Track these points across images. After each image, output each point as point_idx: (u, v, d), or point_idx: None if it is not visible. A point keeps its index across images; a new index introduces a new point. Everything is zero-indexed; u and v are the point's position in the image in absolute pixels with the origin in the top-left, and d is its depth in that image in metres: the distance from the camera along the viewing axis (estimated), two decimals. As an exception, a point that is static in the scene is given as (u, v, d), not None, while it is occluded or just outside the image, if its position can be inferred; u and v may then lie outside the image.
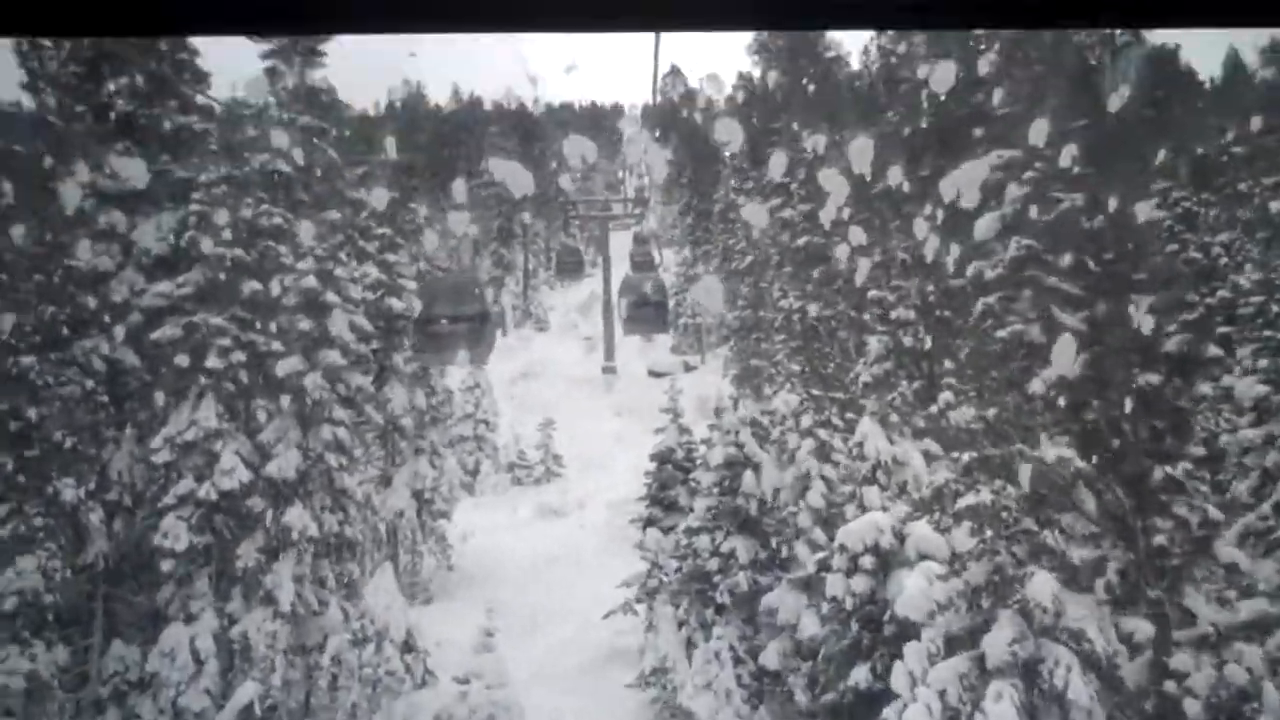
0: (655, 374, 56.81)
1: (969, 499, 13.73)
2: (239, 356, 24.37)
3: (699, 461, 36.86)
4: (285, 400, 24.97)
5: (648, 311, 38.74)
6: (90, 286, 23.61)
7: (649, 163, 56.22)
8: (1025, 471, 13.09)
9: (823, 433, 26.03)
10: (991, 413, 14.71)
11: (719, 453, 27.27)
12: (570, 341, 64.72)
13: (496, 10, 1.60)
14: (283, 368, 24.82)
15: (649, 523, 36.77)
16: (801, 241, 48.09)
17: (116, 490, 23.99)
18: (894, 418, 22.64)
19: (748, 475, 26.72)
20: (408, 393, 35.12)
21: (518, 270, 78.39)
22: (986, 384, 16.15)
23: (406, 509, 33.93)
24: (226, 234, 24.36)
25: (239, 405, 24.86)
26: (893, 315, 27.73)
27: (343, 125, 38.65)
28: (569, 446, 48.06)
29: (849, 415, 26.99)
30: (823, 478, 25.46)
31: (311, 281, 25.49)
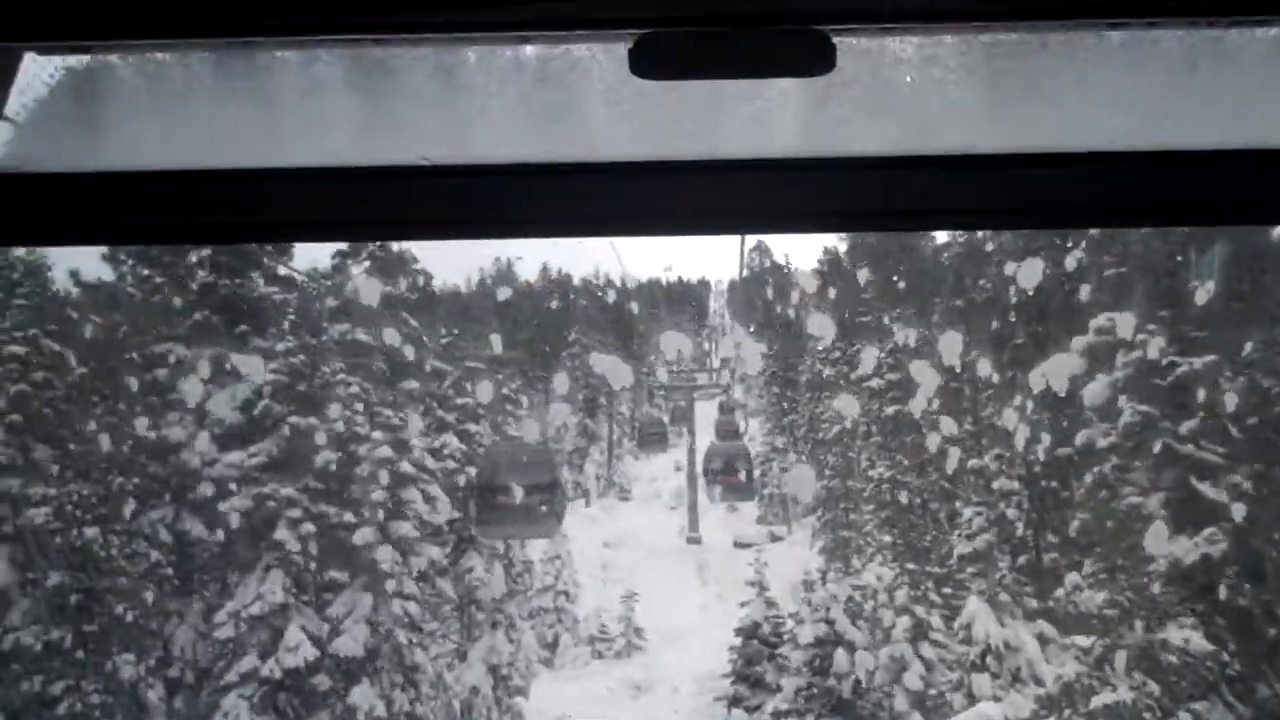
0: (741, 545, 54.93)
1: (1106, 696, 12.02)
2: (309, 528, 23.47)
3: (787, 637, 35.09)
4: (356, 574, 23.94)
5: (734, 480, 38.35)
6: (160, 457, 23.05)
7: (740, 353, 55.05)
8: (1167, 664, 11.46)
9: (919, 609, 24.24)
10: (1126, 596, 13.09)
11: (809, 630, 25.54)
12: (654, 512, 63.16)
13: (579, 218, 1.70)
14: (355, 539, 23.85)
15: (734, 702, 34.72)
16: (891, 410, 46.68)
17: (178, 666, 22.94)
18: (1003, 596, 20.85)
19: (839, 654, 24.89)
20: (486, 565, 33.90)
21: (601, 440, 77.50)
22: (1119, 563, 14.55)
23: (482, 685, 32.31)
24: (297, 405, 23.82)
25: (307, 579, 23.86)
26: (994, 485, 26.05)
27: (434, 306, 38.34)
28: (652, 619, 46.09)
29: (945, 590, 25.20)
30: (920, 658, 23.59)
31: (387, 451, 24.68)
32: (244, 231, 2.43)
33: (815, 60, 1.49)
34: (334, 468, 23.98)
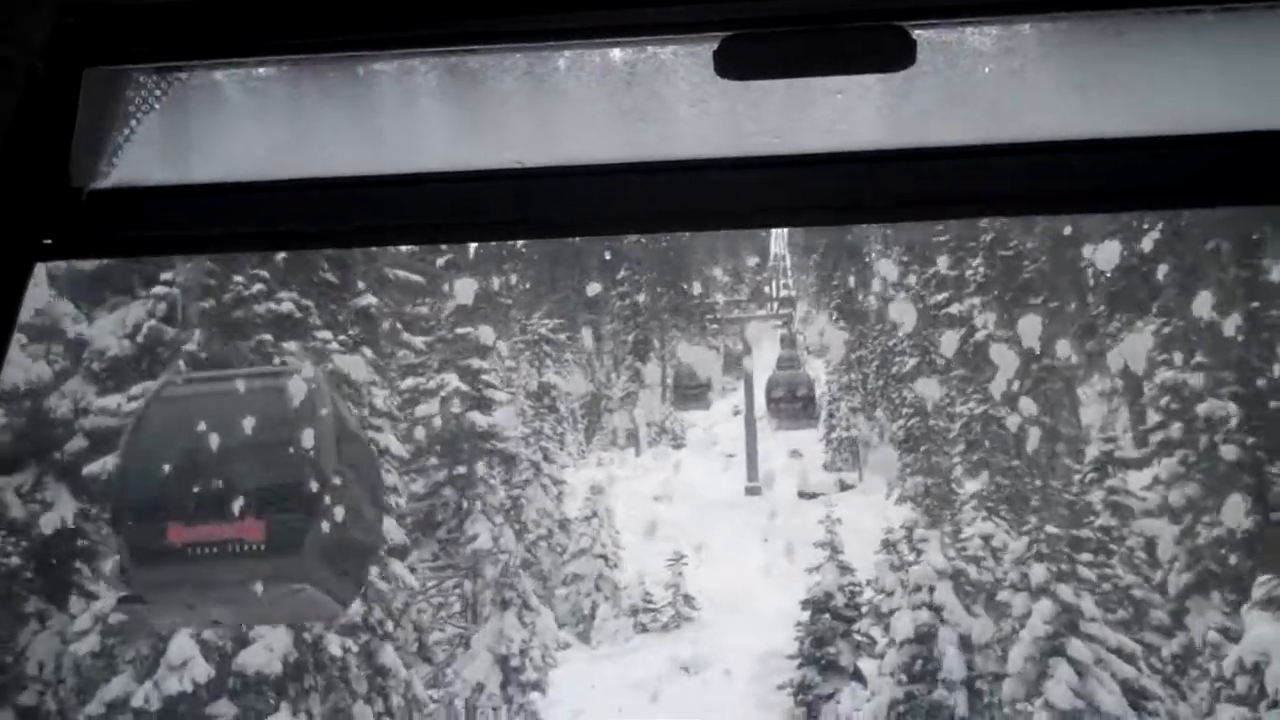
0: (806, 495, 47.36)
1: None
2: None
3: (865, 609, 27.76)
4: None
5: (796, 406, 40.74)
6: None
7: (824, 339, 47.95)
8: None
9: (1066, 590, 16.61)
10: None
11: (906, 620, 17.98)
12: (710, 459, 55.60)
13: (667, 215, 1.77)
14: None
15: (801, 689, 27.56)
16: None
17: (35, 691, 16.07)
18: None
19: (951, 654, 17.30)
20: (494, 530, 26.81)
21: (654, 385, 70.27)
22: None
23: (488, 680, 25.32)
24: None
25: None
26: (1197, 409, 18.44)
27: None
28: (704, 585, 38.85)
29: (1100, 558, 17.52)
30: (1070, 660, 16.04)
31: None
32: (347, 237, 2.28)
33: (895, 55, 1.52)
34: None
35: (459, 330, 27.54)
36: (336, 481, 8.60)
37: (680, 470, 53.55)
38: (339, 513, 8.44)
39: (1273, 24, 1.58)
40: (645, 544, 42.20)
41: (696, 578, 38.70)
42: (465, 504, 26.74)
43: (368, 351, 20.69)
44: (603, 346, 69.18)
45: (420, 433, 26.28)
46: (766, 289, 62.33)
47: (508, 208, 1.71)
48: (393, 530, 20.14)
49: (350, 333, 20.37)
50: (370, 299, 21.82)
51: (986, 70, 1.66)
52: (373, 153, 1.75)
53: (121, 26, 1.51)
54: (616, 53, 1.68)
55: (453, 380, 26.47)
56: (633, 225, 1.85)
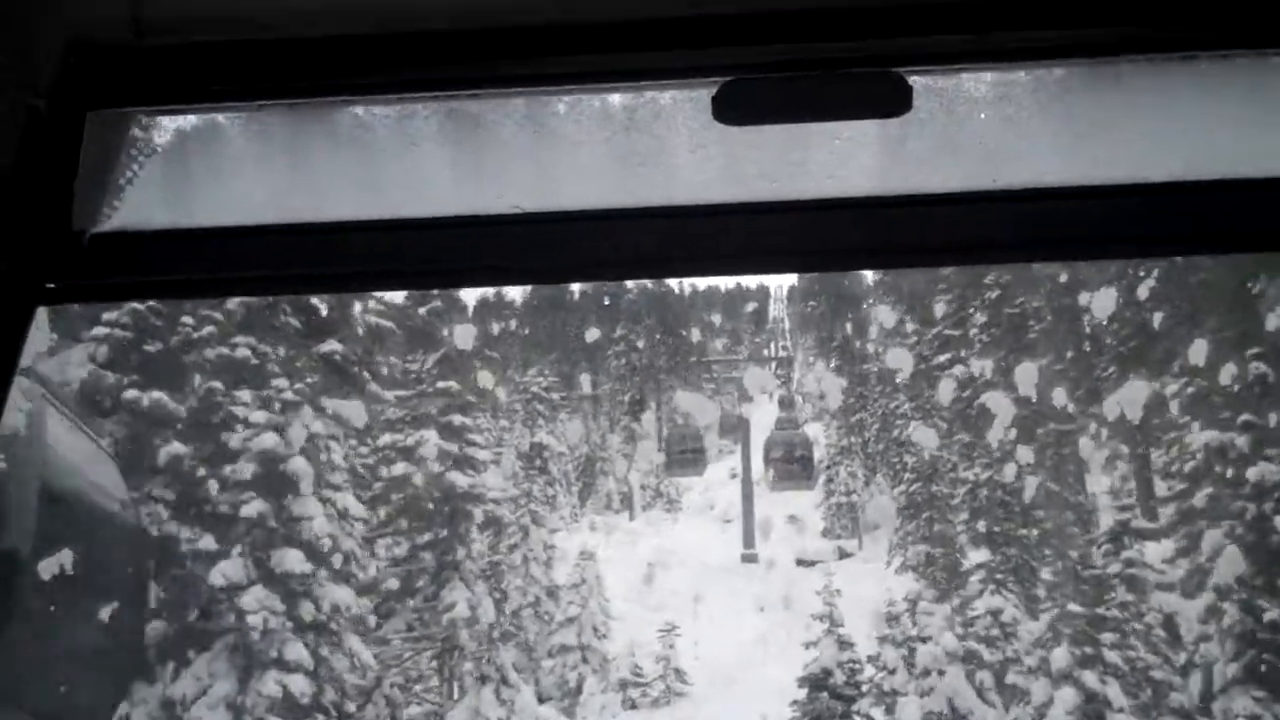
0: (804, 562, 45.50)
1: None
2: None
3: (866, 688, 26.01)
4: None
5: (794, 467, 40.58)
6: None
7: (821, 387, 47.23)
8: None
9: (1089, 677, 14.92)
10: None
11: (914, 709, 16.24)
12: (706, 525, 53.74)
13: (666, 259, 1.76)
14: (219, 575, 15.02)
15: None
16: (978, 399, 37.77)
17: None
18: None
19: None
20: (472, 598, 25.03)
21: (650, 444, 68.51)
22: None
23: (462, 767, 23.44)
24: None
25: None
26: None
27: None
28: (697, 657, 36.88)
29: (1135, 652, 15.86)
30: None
31: (270, 440, 15.82)
32: (347, 281, 2.35)
33: (892, 101, 1.53)
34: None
35: (440, 384, 25.96)
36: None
37: (675, 535, 51.77)
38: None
39: (1268, 70, 1.58)
40: (637, 612, 40.30)
41: (689, 649, 36.73)
42: (444, 570, 24.97)
43: (328, 402, 19.10)
44: (599, 406, 67.77)
45: (395, 493, 24.70)
46: (766, 350, 61.01)
47: (507, 252, 1.71)
48: (349, 600, 18.43)
49: (308, 381, 18.80)
50: (336, 345, 20.27)
51: (982, 116, 1.66)
52: (373, 197, 1.75)
53: (125, 69, 1.53)
54: (615, 97, 1.70)
55: (432, 437, 24.85)
56: (632, 270, 1.85)
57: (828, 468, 49.50)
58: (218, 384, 16.58)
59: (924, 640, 24.02)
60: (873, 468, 49.72)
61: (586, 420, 66.25)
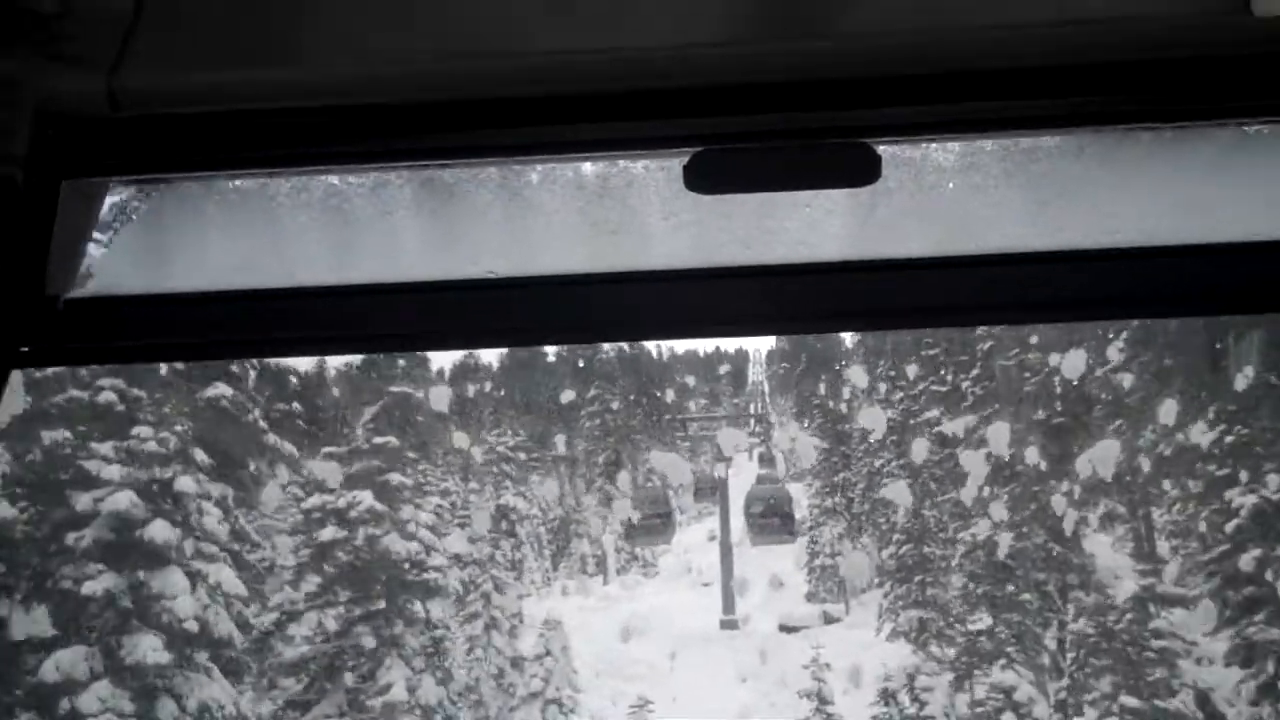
0: (788, 629, 42.14)
1: None
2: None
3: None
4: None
5: (774, 521, 37.17)
6: None
7: (796, 446, 47.31)
8: None
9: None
10: None
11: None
12: (683, 590, 50.35)
13: (638, 323, 1.78)
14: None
15: None
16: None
17: None
18: None
19: None
20: (412, 678, 21.69)
21: (626, 506, 65.11)
22: None
23: None
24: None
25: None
26: None
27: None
28: (674, 733, 33.42)
29: None
30: None
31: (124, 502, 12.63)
32: (321, 345, 2.29)
33: (861, 171, 1.54)
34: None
35: (377, 440, 22.87)
36: None
37: (651, 600, 48.26)
38: None
39: (1228, 141, 1.61)
40: (608, 685, 36.86)
41: (665, 726, 33.29)
42: (380, 647, 21.71)
43: (202, 456, 15.94)
44: (575, 468, 64.70)
45: (324, 561, 21.50)
46: (744, 410, 58.41)
47: (481, 316, 1.71)
48: (224, 697, 15.10)
49: (178, 430, 15.65)
50: (223, 389, 17.17)
51: (950, 185, 1.68)
52: (348, 263, 1.76)
53: (99, 139, 1.52)
54: (588, 166, 1.71)
55: (366, 499, 21.72)
56: (604, 333, 1.86)
57: (811, 528, 46.38)
58: (65, 433, 13.53)
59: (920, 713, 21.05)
60: (858, 528, 46.59)
61: (561, 482, 63.22)
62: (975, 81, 1.46)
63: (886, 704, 22.60)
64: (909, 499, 37.12)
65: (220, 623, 15.71)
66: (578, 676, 33.80)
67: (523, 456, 51.12)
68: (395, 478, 22.64)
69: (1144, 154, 1.63)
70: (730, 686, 37.51)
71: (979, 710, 20.42)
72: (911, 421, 40.90)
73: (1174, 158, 1.62)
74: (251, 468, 18.83)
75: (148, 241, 1.73)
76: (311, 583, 22.09)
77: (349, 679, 21.54)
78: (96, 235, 1.66)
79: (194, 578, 15.12)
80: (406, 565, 22.03)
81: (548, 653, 32.20)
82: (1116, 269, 1.61)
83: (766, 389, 74.02)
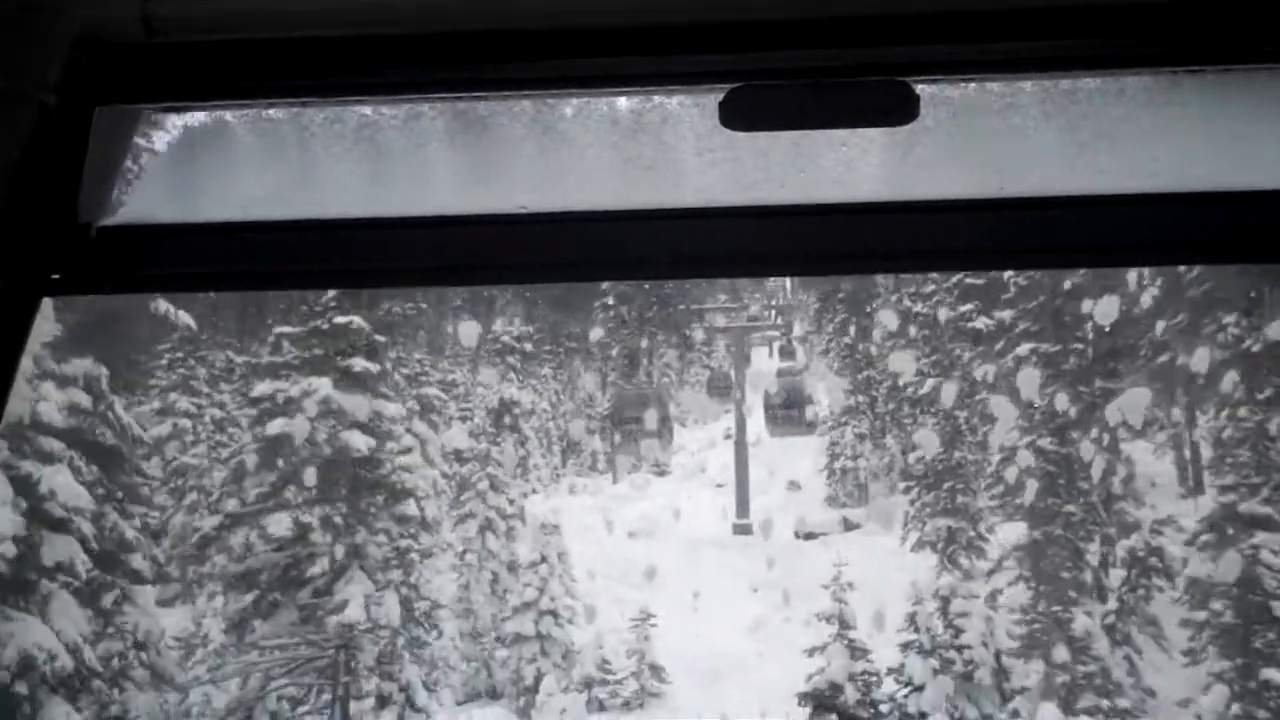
0: (805, 535, 39.12)
1: None
2: None
3: (886, 710, 20.04)
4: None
5: (794, 413, 36.94)
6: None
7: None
8: None
9: None
10: None
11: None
12: (695, 489, 47.27)
13: (670, 261, 1.74)
14: None
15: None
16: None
17: None
18: None
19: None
20: (373, 597, 18.56)
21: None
22: None
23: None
24: None
25: None
26: None
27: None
28: (680, 648, 30.44)
29: None
30: None
31: None
32: (352, 277, 2.29)
33: (899, 110, 1.51)
34: None
35: (339, 319, 19.45)
36: None
37: (661, 501, 45.24)
38: None
39: (1273, 86, 1.58)
40: (610, 592, 34.00)
41: (669, 640, 30.29)
42: (339, 558, 18.62)
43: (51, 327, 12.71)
44: (590, 362, 61.55)
45: (277, 457, 18.33)
46: (767, 311, 54.96)
47: (513, 251, 1.69)
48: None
49: None
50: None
51: (988, 126, 1.65)
52: (379, 195, 1.74)
53: (133, 65, 1.51)
54: (623, 101, 1.68)
55: (323, 388, 18.43)
56: (637, 271, 1.88)
57: (831, 428, 43.11)
58: None
59: (960, 649, 18.05)
60: (882, 428, 43.30)
61: (572, 375, 60.17)
62: (1016, 20, 1.43)
63: (914, 630, 19.46)
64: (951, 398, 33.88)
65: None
66: (577, 585, 30.85)
67: (529, 348, 47.83)
68: (359, 364, 19.30)
69: (1186, 97, 1.57)
70: (741, 598, 34.52)
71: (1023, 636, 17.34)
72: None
73: (1216, 101, 1.57)
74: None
75: (180, 170, 1.70)
76: (269, 479, 18.93)
77: (303, 594, 18.56)
78: (129, 163, 1.62)
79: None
80: (363, 463, 18.82)
81: (543, 559, 29.20)
82: (1156, 214, 1.57)
83: (788, 284, 70.88)
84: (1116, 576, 25.20)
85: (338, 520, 18.79)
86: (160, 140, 1.67)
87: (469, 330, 40.71)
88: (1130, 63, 1.50)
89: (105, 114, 1.52)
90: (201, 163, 1.70)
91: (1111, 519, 27.85)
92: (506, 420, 40.92)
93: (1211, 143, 1.62)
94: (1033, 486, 26.85)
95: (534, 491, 41.50)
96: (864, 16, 1.43)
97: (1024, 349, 29.19)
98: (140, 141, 1.64)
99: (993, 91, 1.60)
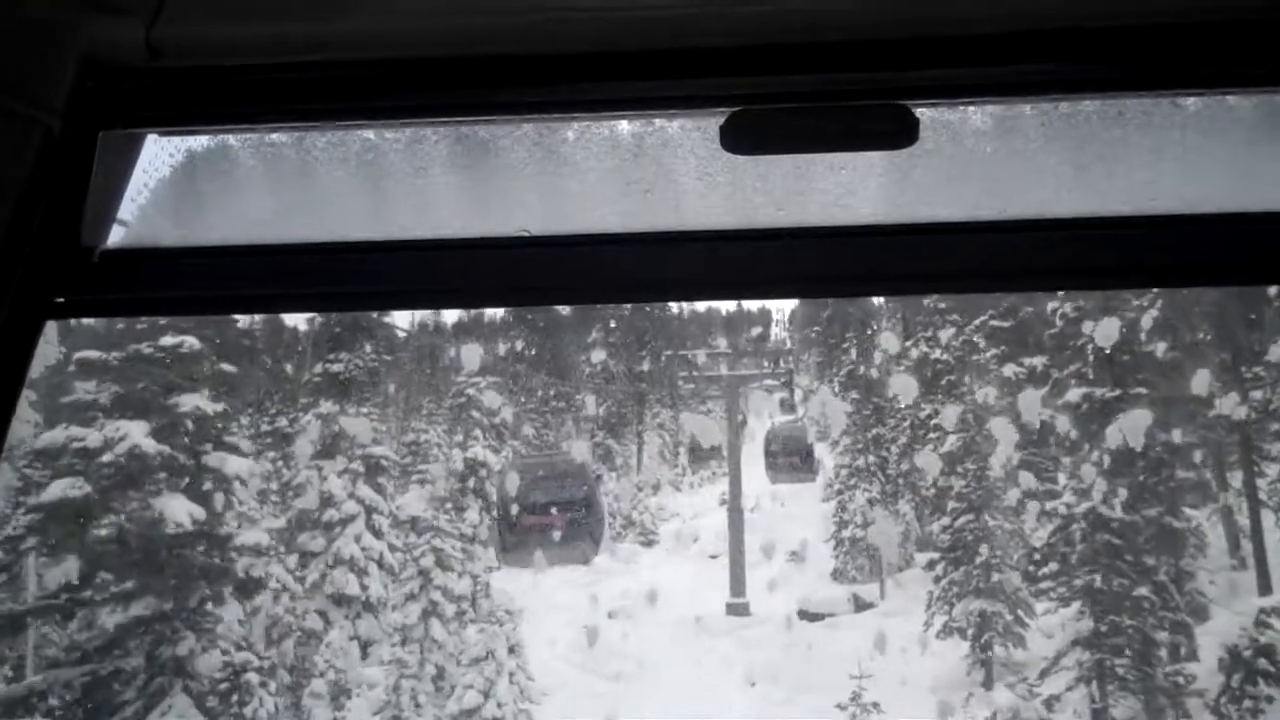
0: (809, 615, 33.05)
1: None
2: None
3: None
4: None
5: (795, 459, 35.79)
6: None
7: (825, 410, 39.32)
8: None
9: None
10: None
11: None
12: (686, 562, 41.38)
13: (672, 284, 1.71)
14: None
15: None
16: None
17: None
18: None
19: None
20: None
21: (626, 465, 56.01)
22: None
23: None
24: None
25: None
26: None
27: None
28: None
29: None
30: None
31: None
32: (357, 300, 2.08)
33: (899, 134, 1.50)
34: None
35: (165, 340, 13.85)
36: None
37: (646, 575, 39.13)
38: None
39: (1271, 109, 1.56)
40: (580, 683, 28.09)
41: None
42: (156, 675, 12.82)
43: None
44: (580, 426, 55.95)
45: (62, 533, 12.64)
46: (767, 363, 49.79)
47: (514, 274, 1.66)
48: None
49: None
50: None
51: (988, 149, 1.63)
52: (382, 218, 1.72)
53: (138, 89, 1.50)
54: (624, 125, 1.67)
55: (134, 433, 12.82)
56: (637, 293, 1.79)
57: (839, 493, 37.24)
58: None
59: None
60: (895, 493, 37.43)
61: (553, 433, 54.65)
62: (1015, 44, 1.42)
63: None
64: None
65: None
66: (533, 684, 24.80)
67: (498, 404, 42.20)
68: (188, 402, 13.57)
69: (1185, 120, 1.56)
70: (735, 691, 28.39)
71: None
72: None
73: (1216, 124, 1.56)
74: None
75: (183, 194, 1.66)
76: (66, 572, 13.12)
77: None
78: (132, 187, 1.59)
79: None
80: (188, 541, 13.07)
81: (488, 655, 23.23)
82: (1155, 236, 1.56)
83: (789, 341, 66.08)
84: (1207, 677, 19.34)
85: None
86: (164, 164, 1.62)
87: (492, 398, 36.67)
88: (1129, 86, 1.48)
89: (109, 137, 1.50)
90: (205, 186, 1.65)
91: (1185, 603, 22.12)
92: (471, 483, 35.15)
93: (1210, 165, 1.58)
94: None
95: (496, 568, 35.53)
96: (863, 41, 1.41)
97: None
98: (144, 165, 1.59)
99: (991, 114, 1.57)
